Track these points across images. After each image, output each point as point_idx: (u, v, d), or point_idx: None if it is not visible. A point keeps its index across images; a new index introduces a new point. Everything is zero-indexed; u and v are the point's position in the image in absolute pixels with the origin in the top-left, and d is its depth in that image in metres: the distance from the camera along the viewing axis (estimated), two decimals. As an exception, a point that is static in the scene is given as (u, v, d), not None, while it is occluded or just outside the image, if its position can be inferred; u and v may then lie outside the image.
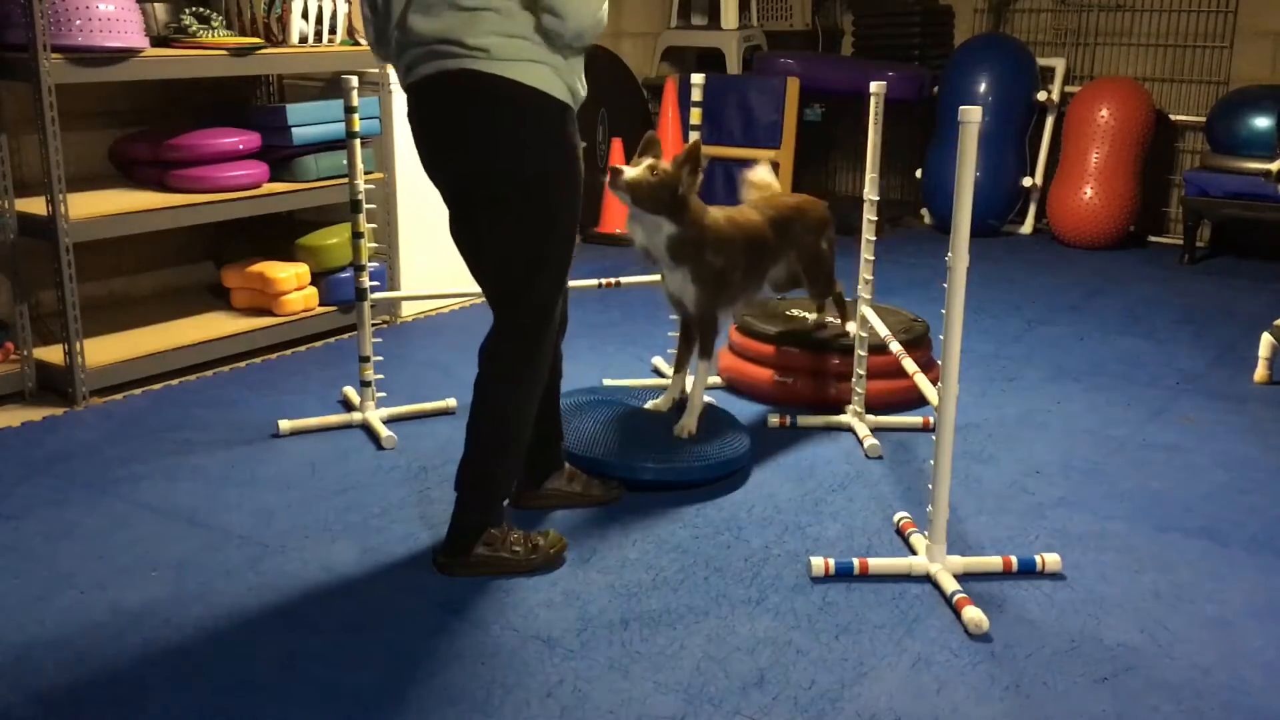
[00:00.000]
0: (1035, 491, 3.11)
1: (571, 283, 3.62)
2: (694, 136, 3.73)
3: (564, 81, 2.44)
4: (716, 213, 3.21)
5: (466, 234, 2.58)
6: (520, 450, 2.64)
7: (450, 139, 2.46)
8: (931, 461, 2.53)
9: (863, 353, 3.43)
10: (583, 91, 2.51)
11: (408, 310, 4.74)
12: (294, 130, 4.20)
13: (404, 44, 2.44)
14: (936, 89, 6.55)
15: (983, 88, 6.30)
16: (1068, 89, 6.58)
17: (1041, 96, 6.45)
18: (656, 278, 3.98)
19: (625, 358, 4.20)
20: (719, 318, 3.25)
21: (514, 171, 2.43)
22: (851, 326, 3.62)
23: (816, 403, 3.67)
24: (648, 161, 3.00)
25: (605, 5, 2.41)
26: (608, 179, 2.98)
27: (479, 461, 2.58)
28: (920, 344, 3.77)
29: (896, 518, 2.88)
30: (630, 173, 2.96)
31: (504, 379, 2.55)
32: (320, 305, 4.39)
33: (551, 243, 2.53)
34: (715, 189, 6.57)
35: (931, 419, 3.44)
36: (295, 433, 3.42)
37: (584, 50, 2.47)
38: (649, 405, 3.37)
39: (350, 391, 3.71)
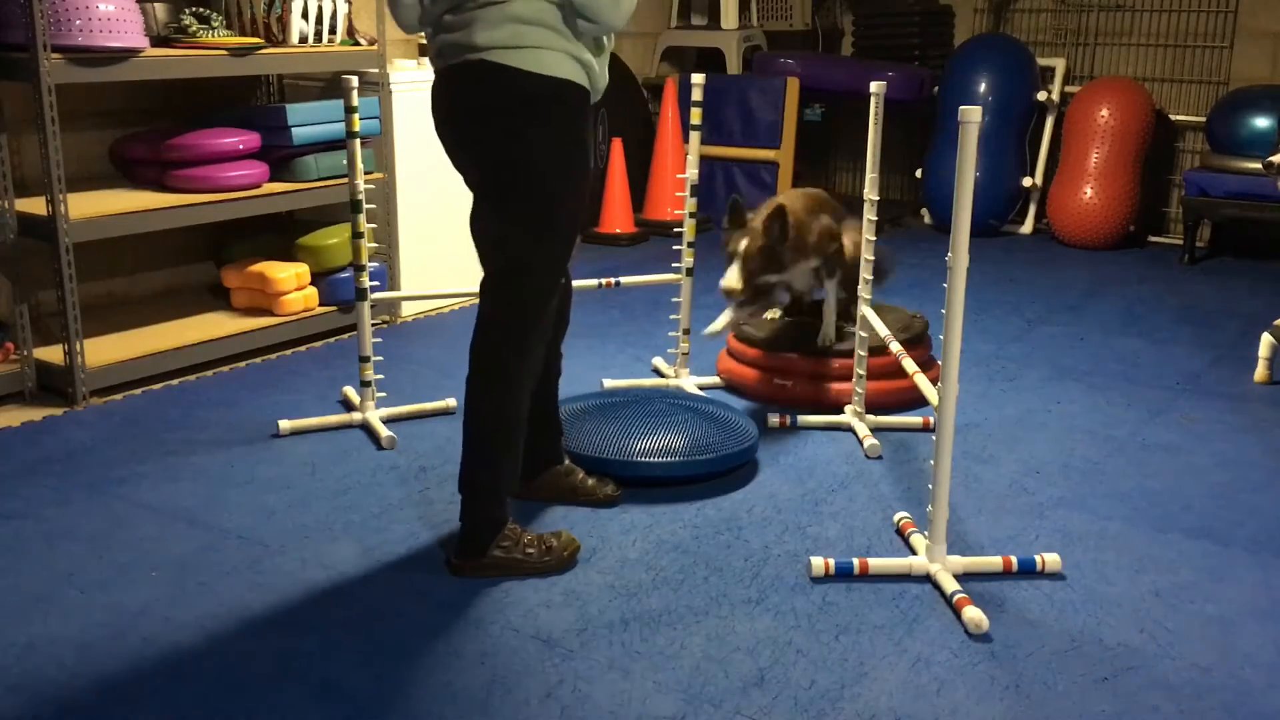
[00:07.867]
0: (1035, 491, 3.11)
1: (572, 282, 3.62)
2: (694, 136, 3.73)
3: (582, 69, 2.48)
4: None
5: (480, 216, 2.62)
6: (519, 445, 2.64)
7: (466, 127, 2.50)
8: (931, 461, 2.53)
9: (863, 353, 3.44)
10: (603, 84, 2.57)
11: (408, 310, 4.74)
12: (294, 130, 4.19)
13: (436, 28, 2.51)
14: (936, 89, 6.54)
15: (983, 88, 6.29)
16: (1068, 89, 6.58)
17: (1041, 96, 6.45)
18: (656, 277, 4.00)
19: (625, 358, 4.20)
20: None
21: (522, 160, 2.46)
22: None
23: (815, 405, 3.67)
24: None
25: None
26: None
27: (478, 460, 2.58)
28: (920, 341, 3.77)
29: (896, 518, 2.88)
30: None
31: (496, 375, 2.55)
32: (320, 305, 4.39)
33: (551, 229, 2.54)
34: (715, 189, 6.59)
35: (931, 419, 3.45)
36: (295, 433, 3.42)
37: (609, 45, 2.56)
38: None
39: (350, 391, 3.71)
